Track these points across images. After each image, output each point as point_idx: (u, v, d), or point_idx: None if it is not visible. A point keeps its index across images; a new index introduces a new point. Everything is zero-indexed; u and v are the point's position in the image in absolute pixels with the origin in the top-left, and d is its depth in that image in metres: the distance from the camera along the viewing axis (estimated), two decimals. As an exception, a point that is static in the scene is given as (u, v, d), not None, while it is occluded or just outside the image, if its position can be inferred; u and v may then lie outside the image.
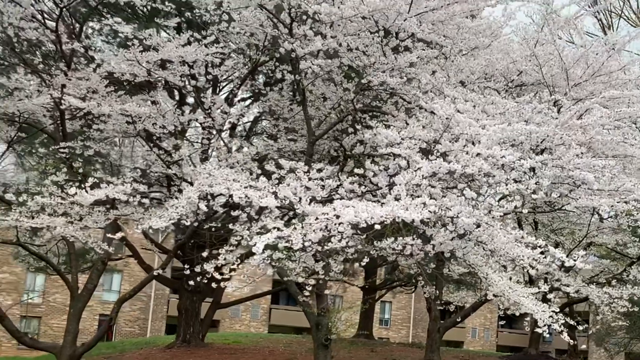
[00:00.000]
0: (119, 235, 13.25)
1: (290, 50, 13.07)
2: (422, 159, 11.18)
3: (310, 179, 12.03)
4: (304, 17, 13.15)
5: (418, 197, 10.82)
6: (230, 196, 12.21)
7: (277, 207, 12.00)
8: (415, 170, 11.10)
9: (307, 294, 13.20)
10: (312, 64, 12.73)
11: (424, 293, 18.64)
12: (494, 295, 13.12)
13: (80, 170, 14.54)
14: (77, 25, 15.26)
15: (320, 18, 12.49)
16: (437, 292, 18.16)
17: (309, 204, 11.51)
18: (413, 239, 11.49)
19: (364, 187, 12.11)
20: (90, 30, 16.82)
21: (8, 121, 16.79)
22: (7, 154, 17.59)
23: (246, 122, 18.34)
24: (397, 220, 10.73)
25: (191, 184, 13.22)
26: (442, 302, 20.35)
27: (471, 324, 56.68)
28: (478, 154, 10.89)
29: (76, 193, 12.61)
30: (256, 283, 19.32)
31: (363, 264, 12.21)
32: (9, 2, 14.21)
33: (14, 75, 15.39)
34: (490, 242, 11.43)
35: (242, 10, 13.63)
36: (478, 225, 11.20)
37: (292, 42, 12.94)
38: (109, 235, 14.46)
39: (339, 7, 12.37)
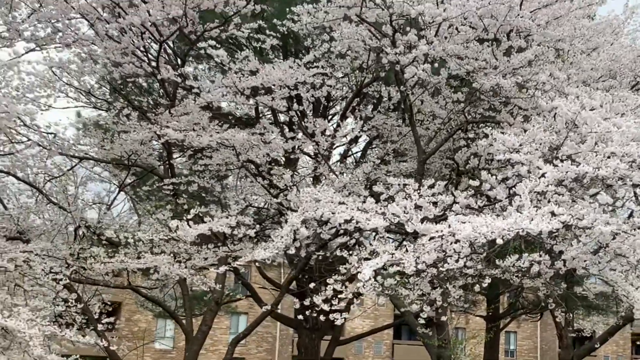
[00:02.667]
0: (222, 269, 11.97)
1: (394, 62, 11.60)
2: (545, 164, 9.41)
3: (421, 196, 10.41)
4: (407, 28, 11.71)
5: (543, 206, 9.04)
6: (340, 224, 10.81)
7: (386, 229, 10.45)
8: (538, 177, 9.32)
9: (422, 321, 11.47)
10: (418, 69, 11.17)
11: (555, 317, 16.49)
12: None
13: (185, 206, 13.43)
14: (179, 60, 14.35)
15: (424, 20, 10.96)
16: (569, 316, 15.95)
17: (421, 222, 9.91)
18: (540, 255, 9.68)
19: (480, 201, 10.37)
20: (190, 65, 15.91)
21: (118, 165, 16.14)
22: (119, 197, 16.86)
23: (357, 152, 16.95)
24: (521, 234, 8.96)
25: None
26: (574, 328, 18.07)
27: (603, 352, 52.19)
28: (612, 154, 9.03)
29: (177, 227, 11.49)
30: (375, 316, 17.67)
31: (484, 286, 10.45)
32: (108, 38, 13.43)
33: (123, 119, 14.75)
34: (631, 254, 9.44)
35: (341, 24, 12.31)
36: (615, 235, 9.27)
37: (396, 52, 11.46)
38: (219, 272, 13.32)
39: (444, 10, 10.85)
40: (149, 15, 12.42)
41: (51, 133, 15.85)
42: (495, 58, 11.22)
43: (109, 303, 18.05)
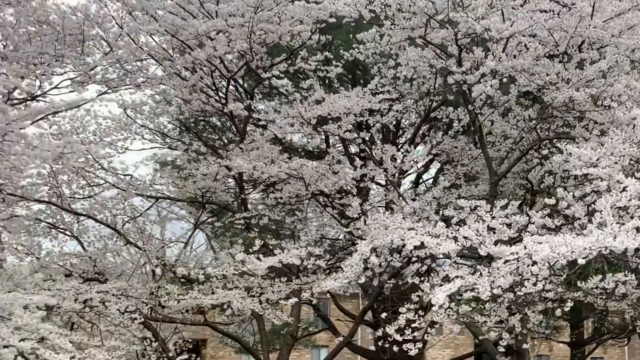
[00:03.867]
0: (291, 301, 11.45)
1: (461, 82, 11.00)
2: (626, 177, 8.58)
3: (493, 218, 9.69)
4: (474, 48, 11.12)
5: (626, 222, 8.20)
6: (412, 250, 10.18)
7: (458, 253, 9.76)
8: (619, 192, 8.50)
9: (502, 349, 10.62)
10: (486, 86, 10.51)
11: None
12: None
13: (256, 240, 13.03)
14: (248, 95, 14.09)
15: (490, 36, 10.33)
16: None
17: (494, 245, 9.18)
18: (625, 275, 8.81)
19: (557, 220, 9.57)
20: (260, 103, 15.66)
21: (193, 203, 15.97)
22: (195, 235, 16.68)
23: (428, 179, 16.26)
24: (604, 253, 8.14)
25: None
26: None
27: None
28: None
29: (243, 260, 11.07)
30: (455, 345, 16.77)
31: (566, 310, 9.59)
32: (176, 77, 13.27)
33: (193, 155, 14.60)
34: None
35: (406, 49, 11.80)
36: None
37: (462, 71, 10.86)
38: (292, 305, 12.81)
39: (511, 24, 10.21)
40: (215, 50, 12.22)
41: (128, 175, 15.82)
42: (566, 70, 10.47)
43: (189, 340, 17.76)
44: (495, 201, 10.20)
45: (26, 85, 11.88)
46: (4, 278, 11.59)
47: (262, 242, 12.13)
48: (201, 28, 11.67)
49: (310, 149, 14.98)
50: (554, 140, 11.95)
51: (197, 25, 11.74)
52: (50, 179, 14.34)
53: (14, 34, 11.84)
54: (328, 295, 14.57)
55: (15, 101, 11.80)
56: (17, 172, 13.91)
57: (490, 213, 9.69)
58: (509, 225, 9.54)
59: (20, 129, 9.22)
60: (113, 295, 13.28)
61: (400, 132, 15.51)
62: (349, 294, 18.86)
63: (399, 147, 14.38)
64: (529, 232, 9.35)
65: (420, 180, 15.94)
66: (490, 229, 9.54)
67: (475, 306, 9.98)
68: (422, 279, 10.38)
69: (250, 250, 11.43)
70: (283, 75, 11.86)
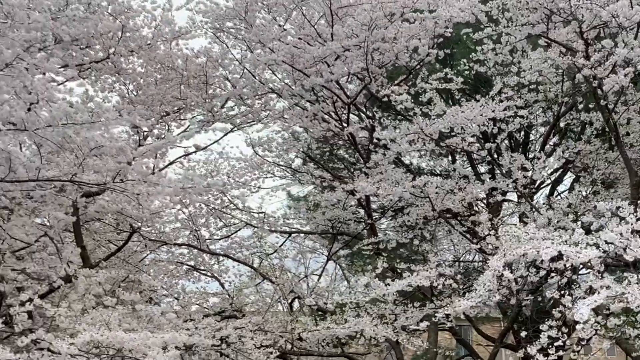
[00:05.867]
0: (422, 325, 10.49)
1: (590, 78, 9.83)
2: None
3: (638, 220, 8.39)
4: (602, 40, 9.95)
5: None
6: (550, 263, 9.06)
7: (600, 261, 8.50)
8: None
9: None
10: (618, 76, 9.28)
11: None
12: None
13: (384, 264, 12.20)
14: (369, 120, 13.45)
15: (619, 23, 9.16)
16: None
17: (641, 248, 7.91)
18: None
19: None
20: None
21: (325, 235, 15.61)
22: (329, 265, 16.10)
23: (563, 192, 14.84)
24: None
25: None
26: None
27: None
28: None
29: (368, 284, 10.28)
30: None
31: None
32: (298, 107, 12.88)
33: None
34: None
35: (527, 51, 10.80)
36: None
37: (591, 65, 9.70)
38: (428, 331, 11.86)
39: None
40: (331, 74, 11.72)
41: (261, 212, 15.65)
42: None
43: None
44: (639, 201, 8.90)
45: (150, 125, 11.88)
46: (144, 320, 11.40)
47: (388, 265, 11.35)
48: (317, 53, 11.23)
49: (437, 172, 14.17)
50: None
51: (312, 51, 11.32)
52: (190, 222, 14.36)
53: (143, 81, 11.92)
54: (467, 321, 13.50)
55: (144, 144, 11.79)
56: (157, 217, 14.04)
57: (635, 214, 8.42)
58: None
59: (152, 172, 9.09)
60: (250, 330, 12.93)
61: (529, 143, 14.32)
62: (486, 317, 17.63)
63: (528, 157, 13.22)
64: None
65: (555, 193, 14.59)
66: (636, 232, 8.27)
67: (625, 319, 8.66)
68: (562, 292, 9.16)
69: (375, 273, 10.62)
70: (402, 92, 11.12)
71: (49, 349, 7.30)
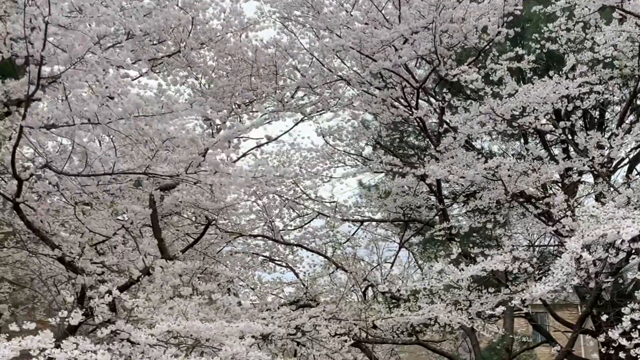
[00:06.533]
0: (498, 310, 10.21)
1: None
2: None
3: None
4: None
5: None
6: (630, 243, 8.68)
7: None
8: None
9: None
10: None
11: None
12: None
13: (454, 248, 11.97)
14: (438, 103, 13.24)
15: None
16: None
17: None
18: None
19: None
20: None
21: (397, 223, 15.43)
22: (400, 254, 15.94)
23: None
24: None
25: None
26: None
27: None
28: None
29: (442, 270, 10.06)
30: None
31: None
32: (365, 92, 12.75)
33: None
34: None
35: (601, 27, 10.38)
36: None
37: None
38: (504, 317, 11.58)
39: None
40: (399, 58, 11.53)
41: (333, 202, 15.61)
42: None
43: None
44: None
45: (222, 117, 11.93)
46: (222, 310, 11.49)
47: (461, 250, 11.09)
48: (384, 36, 11.06)
49: (510, 155, 13.78)
50: None
51: (379, 35, 11.16)
52: (264, 214, 14.43)
53: (214, 74, 11.99)
54: (543, 306, 13.09)
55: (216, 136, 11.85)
56: (232, 209, 14.16)
57: None
58: None
59: (227, 163, 9.13)
60: (324, 319, 12.90)
61: (604, 122, 13.79)
62: (564, 302, 17.12)
63: (604, 135, 12.74)
64: None
65: (635, 172, 14.02)
66: None
67: None
68: (644, 272, 8.79)
69: (450, 259, 10.40)
70: (472, 72, 10.84)
71: (128, 340, 7.37)
